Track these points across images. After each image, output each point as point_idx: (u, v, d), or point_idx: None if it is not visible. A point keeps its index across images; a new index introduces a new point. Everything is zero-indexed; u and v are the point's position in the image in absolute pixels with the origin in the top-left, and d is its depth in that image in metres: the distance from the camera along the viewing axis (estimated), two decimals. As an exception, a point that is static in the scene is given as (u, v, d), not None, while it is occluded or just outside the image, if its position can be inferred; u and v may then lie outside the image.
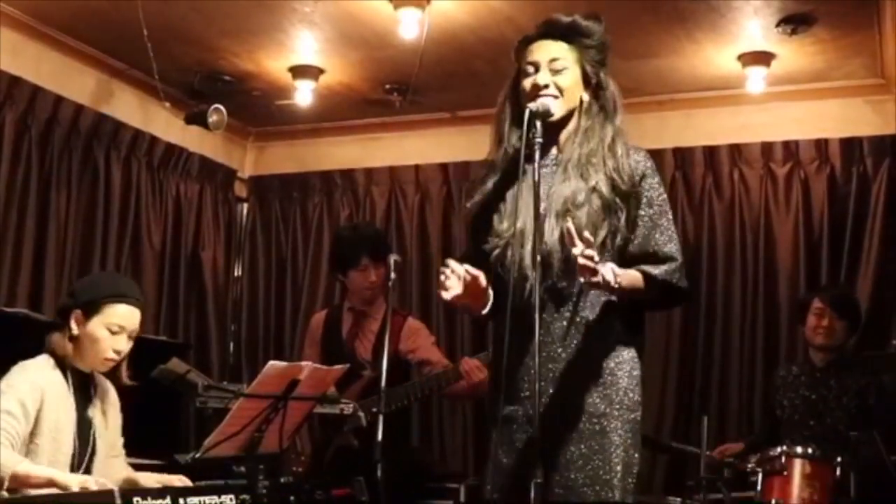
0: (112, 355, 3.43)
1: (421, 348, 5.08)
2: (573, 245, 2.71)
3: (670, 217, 3.04)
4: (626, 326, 3.01)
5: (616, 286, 2.79)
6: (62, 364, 3.42)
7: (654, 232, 2.98)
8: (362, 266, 5.06)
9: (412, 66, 5.59)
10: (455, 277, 2.86)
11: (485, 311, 3.02)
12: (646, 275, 2.93)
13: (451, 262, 2.89)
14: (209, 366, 6.56)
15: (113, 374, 3.55)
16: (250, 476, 3.15)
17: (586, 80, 3.08)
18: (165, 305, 6.40)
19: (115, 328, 3.41)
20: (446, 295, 2.86)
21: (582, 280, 2.79)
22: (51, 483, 3.09)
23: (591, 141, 3.02)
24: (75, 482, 3.05)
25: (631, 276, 2.90)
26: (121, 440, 3.66)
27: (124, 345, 3.45)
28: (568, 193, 2.96)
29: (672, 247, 2.98)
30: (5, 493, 3.16)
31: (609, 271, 2.76)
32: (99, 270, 5.69)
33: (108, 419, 3.58)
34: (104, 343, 3.41)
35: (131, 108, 6.17)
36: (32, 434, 3.28)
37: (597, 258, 2.72)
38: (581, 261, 2.70)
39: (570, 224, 2.75)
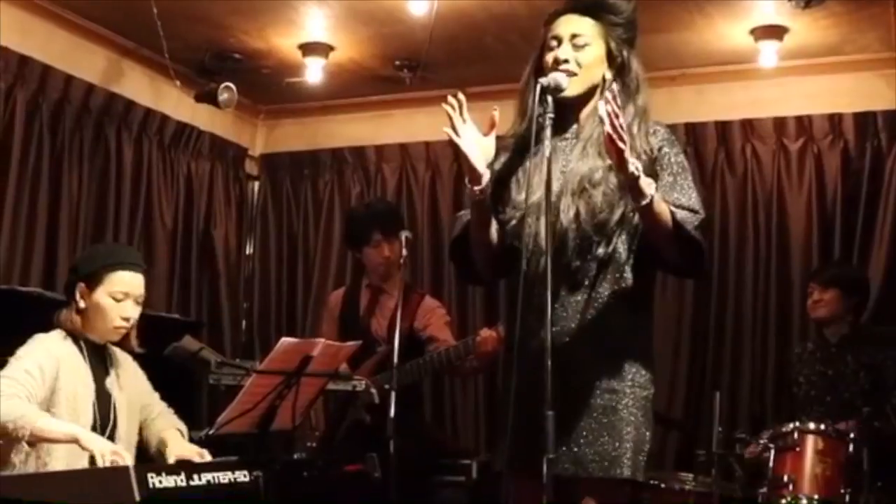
0: (121, 323, 3.47)
1: (432, 326, 5.10)
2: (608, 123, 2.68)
3: (690, 179, 3.00)
4: (638, 304, 3.01)
5: (636, 172, 2.73)
6: (75, 338, 3.46)
7: (672, 192, 2.94)
8: (375, 242, 5.09)
9: (422, 42, 5.57)
10: (460, 119, 2.85)
11: (479, 188, 2.92)
12: (671, 212, 2.88)
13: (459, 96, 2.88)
14: (221, 343, 6.58)
15: (123, 343, 3.57)
16: (263, 452, 3.16)
17: (610, 58, 3.06)
18: (177, 283, 6.41)
19: (119, 296, 3.44)
20: (456, 139, 2.85)
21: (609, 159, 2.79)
22: (73, 440, 3.11)
23: None
24: (102, 448, 3.07)
25: (663, 205, 2.86)
26: (155, 396, 3.67)
27: (131, 311, 3.48)
28: (585, 171, 2.96)
29: (693, 202, 2.95)
30: (26, 446, 3.20)
31: (635, 160, 2.74)
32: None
33: (130, 388, 3.60)
34: (111, 312, 3.44)
35: (142, 87, 6.16)
36: (50, 404, 3.31)
37: (626, 137, 2.69)
38: (608, 128, 2.67)
39: (605, 105, 2.70)
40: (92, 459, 3.10)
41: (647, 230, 2.91)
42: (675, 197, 2.94)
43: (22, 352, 3.35)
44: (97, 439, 3.17)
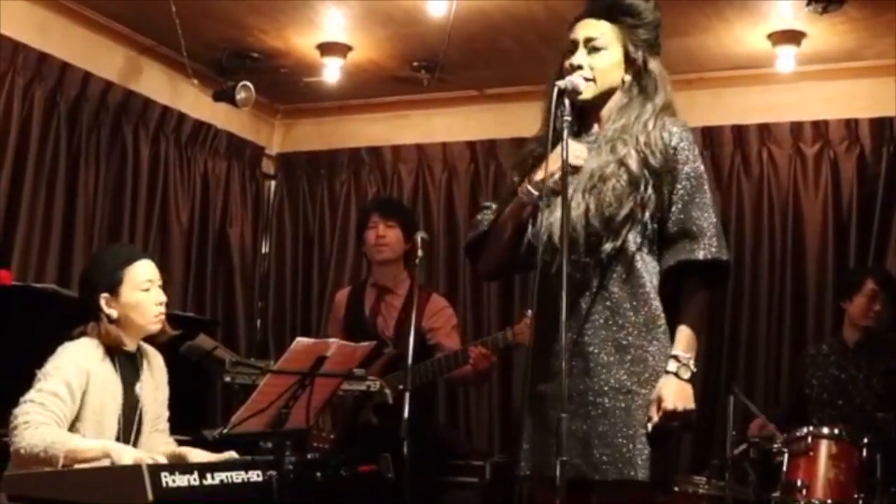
0: (158, 309, 3.51)
1: (439, 332, 5.03)
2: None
3: (706, 189, 3.00)
4: (651, 300, 2.98)
5: (678, 409, 2.88)
6: (108, 347, 3.45)
7: (690, 208, 2.95)
8: (371, 223, 5.07)
9: (440, 43, 5.57)
10: None
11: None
12: (691, 287, 2.98)
13: None
14: (236, 342, 6.60)
15: (161, 333, 3.58)
16: (277, 452, 3.17)
17: (628, 62, 3.06)
18: (193, 282, 6.42)
19: (145, 285, 3.48)
20: None
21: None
22: (106, 455, 3.12)
23: (626, 117, 3.01)
24: (129, 458, 3.08)
25: (685, 341, 2.95)
26: (166, 413, 3.69)
27: (161, 295, 3.54)
28: (595, 167, 2.96)
29: (707, 219, 2.95)
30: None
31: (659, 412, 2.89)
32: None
33: (157, 389, 3.62)
34: (145, 302, 3.48)
35: (159, 85, 6.18)
36: (76, 417, 3.31)
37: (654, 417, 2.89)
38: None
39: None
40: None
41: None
42: (692, 214, 2.95)
43: (50, 367, 3.31)
44: (126, 451, 3.17)
